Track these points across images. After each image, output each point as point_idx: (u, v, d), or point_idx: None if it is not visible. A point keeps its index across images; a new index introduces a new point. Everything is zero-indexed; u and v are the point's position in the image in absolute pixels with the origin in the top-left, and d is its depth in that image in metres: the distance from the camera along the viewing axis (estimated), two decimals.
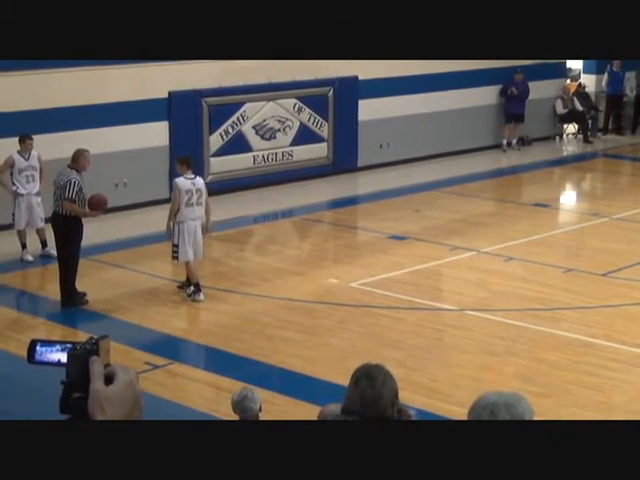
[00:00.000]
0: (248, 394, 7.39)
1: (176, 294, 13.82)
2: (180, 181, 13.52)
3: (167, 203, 18.55)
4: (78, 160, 13.42)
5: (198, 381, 10.93)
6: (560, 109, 25.83)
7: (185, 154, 14.46)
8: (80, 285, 13.33)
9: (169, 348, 11.91)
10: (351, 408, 4.42)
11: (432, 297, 13.65)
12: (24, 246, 15.33)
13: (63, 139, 16.85)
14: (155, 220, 17.78)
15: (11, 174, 15.36)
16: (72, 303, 13.14)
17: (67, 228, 13.21)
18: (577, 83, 27.28)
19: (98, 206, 13.32)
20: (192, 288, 13.40)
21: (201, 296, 13.33)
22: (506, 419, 3.66)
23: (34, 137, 15.54)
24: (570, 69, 27.36)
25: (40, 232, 15.21)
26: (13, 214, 15.30)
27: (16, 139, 15.48)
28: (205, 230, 13.67)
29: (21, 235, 15.34)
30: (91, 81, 17.47)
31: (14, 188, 15.29)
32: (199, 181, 13.66)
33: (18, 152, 15.44)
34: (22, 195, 15.26)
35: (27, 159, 15.43)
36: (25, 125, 16.25)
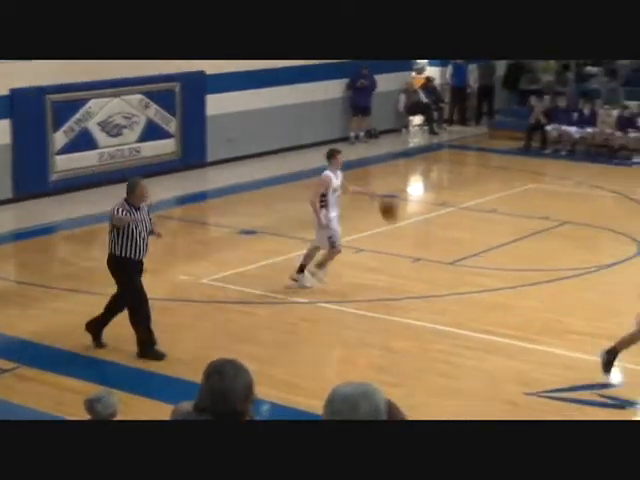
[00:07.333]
0: (102, 397, 7.18)
1: (22, 296, 13.51)
2: None
3: (9, 203, 18.25)
4: None
5: (45, 383, 10.64)
6: (402, 105, 26.26)
7: None
8: None
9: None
10: (202, 405, 4.34)
11: (285, 291, 13.65)
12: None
13: None
14: None
15: (324, 195, 13.44)
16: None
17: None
18: (424, 77, 27.76)
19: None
20: None
21: None
22: (366, 410, 3.72)
23: None
24: (415, 62, 27.77)
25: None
26: (330, 237, 13.44)
27: None
28: None
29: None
30: None
31: (324, 213, 13.40)
32: None
33: (330, 170, 13.49)
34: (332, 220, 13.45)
35: (337, 177, 13.52)
36: None
